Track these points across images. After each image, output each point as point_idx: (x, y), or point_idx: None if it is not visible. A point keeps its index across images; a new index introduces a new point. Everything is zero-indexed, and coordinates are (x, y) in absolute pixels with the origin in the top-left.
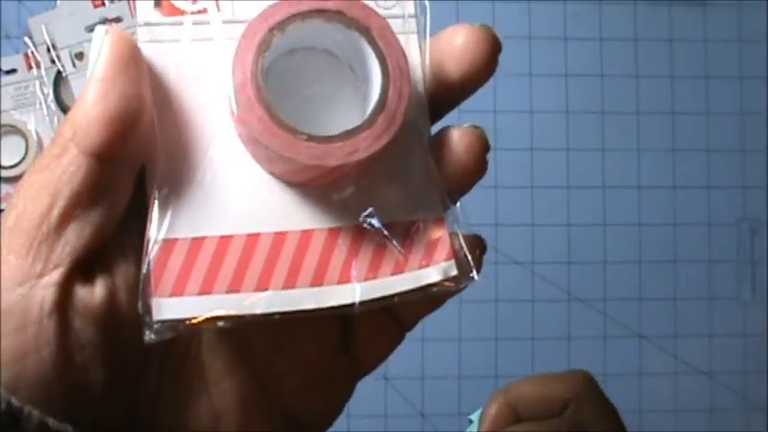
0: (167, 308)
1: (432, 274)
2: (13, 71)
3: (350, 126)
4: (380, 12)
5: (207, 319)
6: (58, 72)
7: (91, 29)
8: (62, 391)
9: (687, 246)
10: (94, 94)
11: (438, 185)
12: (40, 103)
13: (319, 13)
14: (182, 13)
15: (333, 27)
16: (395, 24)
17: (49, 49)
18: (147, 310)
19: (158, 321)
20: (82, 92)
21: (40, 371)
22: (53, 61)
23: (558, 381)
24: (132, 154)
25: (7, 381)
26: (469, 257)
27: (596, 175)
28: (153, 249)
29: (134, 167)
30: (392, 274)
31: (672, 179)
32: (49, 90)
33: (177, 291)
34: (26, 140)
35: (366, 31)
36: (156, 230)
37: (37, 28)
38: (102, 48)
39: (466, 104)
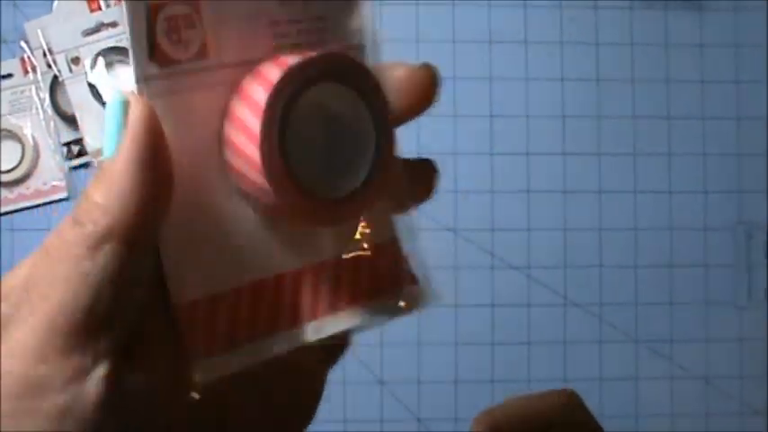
0: (206, 369)
1: (398, 301)
2: (9, 76)
3: (353, 183)
4: (340, 43)
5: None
6: (55, 77)
7: (87, 33)
8: None
9: (683, 250)
10: (131, 180)
11: (397, 210)
12: (37, 108)
13: (327, 75)
14: (177, 62)
15: (335, 86)
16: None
17: (45, 54)
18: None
19: (202, 383)
20: (105, 173)
21: None
22: (49, 66)
23: (542, 401)
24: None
25: None
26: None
27: (592, 180)
28: (180, 315)
29: (156, 245)
30: (367, 301)
31: (668, 183)
32: (46, 95)
33: (210, 351)
34: (22, 145)
35: (362, 89)
36: (178, 295)
37: (33, 32)
38: (123, 121)
39: (463, 109)
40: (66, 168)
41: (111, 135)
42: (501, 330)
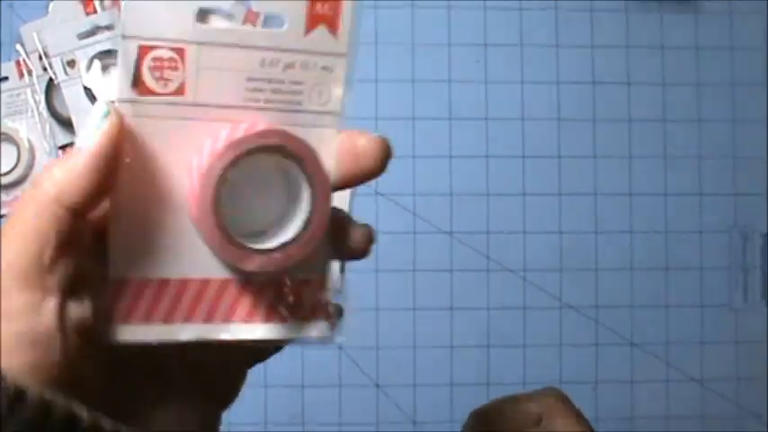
0: (121, 332)
1: (311, 330)
2: (5, 79)
3: (284, 238)
4: (313, 107)
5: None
6: (50, 80)
7: (83, 36)
8: (65, 385)
9: (679, 253)
10: (85, 165)
11: (328, 255)
12: (32, 111)
13: (263, 149)
14: (154, 94)
15: (274, 158)
16: (322, 119)
17: (41, 57)
18: (106, 330)
19: (115, 341)
20: (71, 157)
21: (50, 372)
22: (45, 69)
23: (531, 398)
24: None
25: (23, 377)
26: (338, 322)
27: (588, 183)
28: (112, 285)
29: (92, 219)
30: (281, 321)
31: (663, 186)
32: (41, 97)
33: (128, 320)
34: (18, 148)
35: (300, 162)
36: (114, 270)
37: (29, 35)
38: (101, 125)
39: (458, 112)
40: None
41: (88, 132)
42: (496, 333)
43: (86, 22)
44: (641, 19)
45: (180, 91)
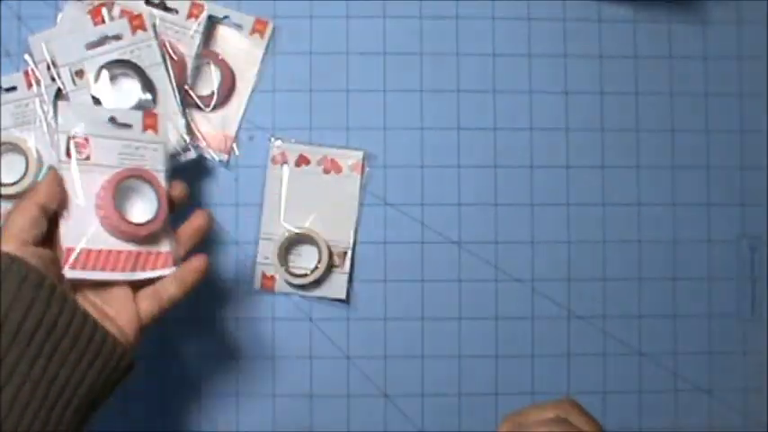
0: (67, 272)
1: (166, 270)
2: (13, 89)
3: (149, 218)
4: (150, 163)
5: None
6: (59, 90)
7: (91, 46)
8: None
9: (687, 263)
10: (45, 194)
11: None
12: (40, 121)
13: (132, 176)
14: (77, 157)
15: (137, 180)
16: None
17: (49, 67)
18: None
19: (67, 276)
20: (38, 188)
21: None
22: (53, 79)
23: (551, 405)
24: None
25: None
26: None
27: (596, 193)
28: (64, 249)
29: (49, 215)
30: (153, 269)
31: (671, 196)
32: (49, 107)
33: (74, 266)
34: (26, 158)
35: (150, 182)
36: (64, 240)
37: (37, 46)
38: (48, 177)
39: (466, 122)
40: None
41: (41, 174)
42: (505, 343)
43: (95, 32)
44: (649, 29)
45: (88, 158)
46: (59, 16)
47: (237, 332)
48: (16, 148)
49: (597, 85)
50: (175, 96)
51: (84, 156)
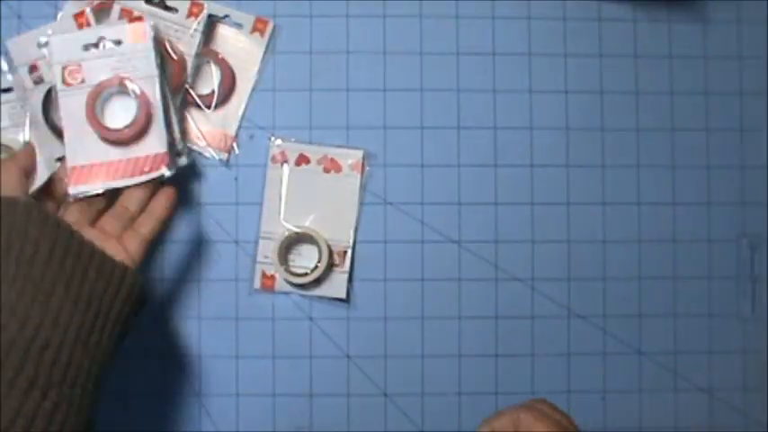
0: (73, 189)
1: (165, 172)
2: (8, 90)
3: (128, 122)
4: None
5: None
6: (49, 91)
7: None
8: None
9: (687, 262)
10: (24, 161)
11: (167, 139)
12: (31, 122)
13: (110, 86)
14: (71, 85)
15: (116, 88)
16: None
17: (30, 70)
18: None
19: (74, 194)
20: (20, 156)
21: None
22: (36, 83)
23: (524, 406)
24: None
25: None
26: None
27: (596, 192)
28: (69, 169)
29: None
30: (150, 171)
31: (671, 195)
32: (39, 108)
33: (77, 183)
34: None
35: (128, 88)
36: (67, 162)
37: (15, 49)
38: (26, 147)
39: (466, 121)
40: None
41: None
42: (505, 342)
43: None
44: (649, 28)
45: (83, 81)
46: (59, 15)
47: (237, 331)
48: (10, 150)
49: (597, 85)
50: (168, 110)
51: (79, 80)
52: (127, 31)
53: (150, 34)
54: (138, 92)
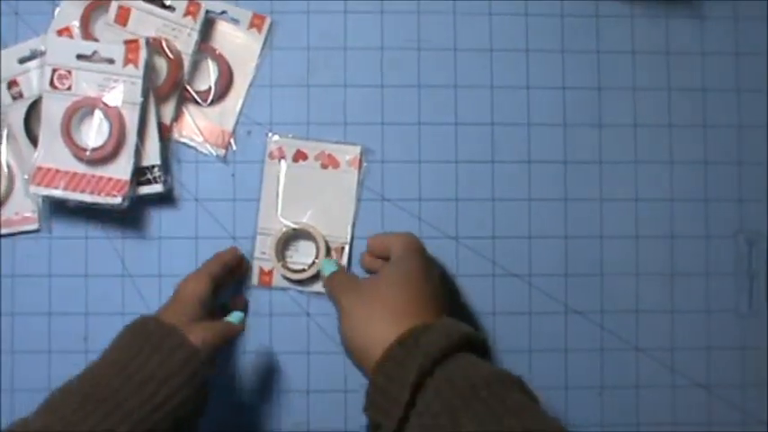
0: (35, 189)
1: (116, 201)
2: None
3: (97, 144)
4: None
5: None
6: (32, 104)
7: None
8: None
9: (684, 258)
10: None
11: (133, 168)
12: (9, 134)
13: (88, 106)
14: (58, 89)
15: (95, 109)
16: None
17: (9, 86)
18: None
19: (33, 192)
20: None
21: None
22: (14, 98)
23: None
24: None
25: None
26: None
27: (593, 188)
28: (35, 168)
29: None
30: (106, 194)
31: (669, 191)
32: (21, 120)
33: (40, 183)
34: None
35: (105, 112)
36: (35, 161)
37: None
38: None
39: (464, 117)
40: (40, 200)
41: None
42: (502, 338)
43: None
44: (647, 24)
45: (69, 88)
46: (56, 11)
47: None
48: None
49: (595, 81)
50: (144, 137)
51: (66, 86)
52: (122, 52)
53: (144, 62)
54: (113, 118)
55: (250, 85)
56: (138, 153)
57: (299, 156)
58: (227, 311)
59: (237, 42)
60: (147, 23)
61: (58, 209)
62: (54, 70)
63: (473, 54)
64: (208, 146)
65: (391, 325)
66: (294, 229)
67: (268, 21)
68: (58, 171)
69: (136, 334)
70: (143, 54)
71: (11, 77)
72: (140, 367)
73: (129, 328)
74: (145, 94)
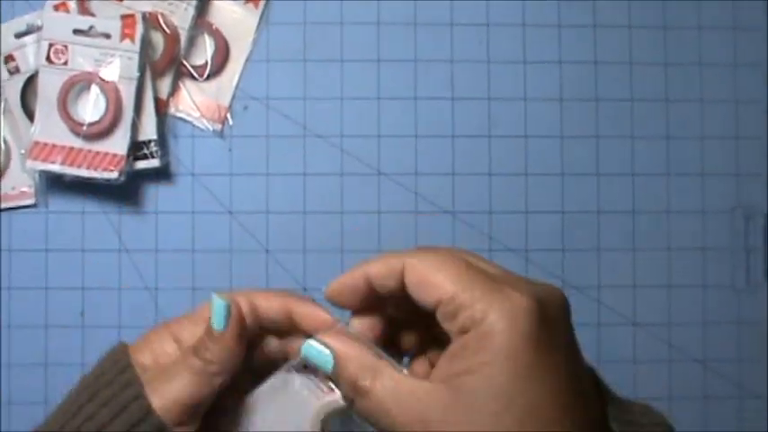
0: (32, 164)
1: (113, 176)
2: None
3: (93, 119)
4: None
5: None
6: (29, 78)
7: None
8: None
9: (681, 233)
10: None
11: (130, 142)
12: (5, 108)
13: (85, 81)
14: (54, 64)
15: (92, 84)
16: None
17: (6, 60)
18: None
19: (30, 167)
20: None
21: None
22: (11, 72)
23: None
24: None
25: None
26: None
27: (590, 163)
28: (32, 143)
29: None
30: (103, 169)
31: (666, 166)
32: (17, 96)
33: (36, 158)
34: None
35: (102, 87)
36: (32, 136)
37: None
38: (224, 316)
39: (461, 92)
40: (36, 174)
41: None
42: None
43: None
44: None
45: (65, 63)
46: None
47: None
48: None
49: (591, 55)
50: (141, 112)
51: (62, 61)
52: (118, 27)
53: (140, 36)
54: (109, 93)
55: (247, 60)
56: (135, 128)
57: None
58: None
59: (234, 17)
60: None
61: (54, 184)
62: (50, 45)
63: (470, 29)
64: (204, 121)
65: None
66: None
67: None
68: (54, 146)
69: (99, 374)
70: (139, 29)
71: (7, 52)
72: (91, 416)
73: (104, 356)
74: (141, 69)
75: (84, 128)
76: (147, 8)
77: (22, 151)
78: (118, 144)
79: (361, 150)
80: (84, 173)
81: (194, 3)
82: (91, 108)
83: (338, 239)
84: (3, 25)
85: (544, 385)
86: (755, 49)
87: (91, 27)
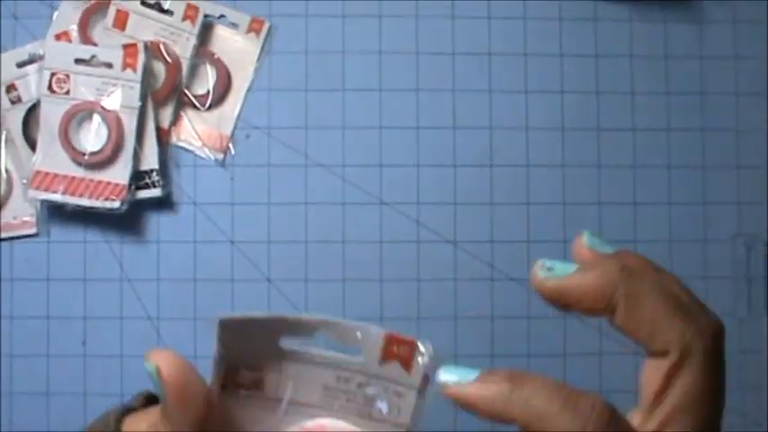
0: (33, 193)
1: (115, 205)
2: None
3: (95, 149)
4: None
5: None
6: (31, 107)
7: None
8: None
9: (683, 262)
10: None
11: (131, 171)
12: (8, 138)
13: (87, 110)
14: (56, 93)
15: (93, 113)
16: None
17: (8, 90)
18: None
19: (32, 197)
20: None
21: None
22: (13, 102)
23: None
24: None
25: None
26: None
27: (592, 192)
28: (34, 173)
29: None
30: (104, 199)
31: (667, 195)
32: (19, 124)
33: (38, 187)
34: None
35: (103, 116)
36: (34, 165)
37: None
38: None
39: (462, 121)
40: (38, 204)
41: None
42: (501, 343)
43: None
44: (645, 28)
45: (67, 92)
46: (55, 15)
47: None
48: None
49: (593, 85)
50: (143, 142)
51: (64, 90)
52: (120, 57)
53: (142, 66)
54: (111, 123)
55: (248, 89)
56: (137, 157)
57: None
58: None
59: (236, 46)
60: (145, 27)
61: (56, 213)
62: (52, 74)
63: (471, 58)
64: (206, 150)
65: None
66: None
67: (266, 25)
68: (56, 175)
69: None
70: (141, 58)
71: (9, 81)
72: None
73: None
74: (143, 99)
75: (86, 157)
76: (149, 37)
77: (24, 180)
78: (119, 173)
79: (362, 179)
80: (85, 202)
81: (196, 32)
82: (93, 137)
83: (340, 269)
84: (4, 54)
85: (715, 404)
86: (756, 79)
87: (93, 56)
